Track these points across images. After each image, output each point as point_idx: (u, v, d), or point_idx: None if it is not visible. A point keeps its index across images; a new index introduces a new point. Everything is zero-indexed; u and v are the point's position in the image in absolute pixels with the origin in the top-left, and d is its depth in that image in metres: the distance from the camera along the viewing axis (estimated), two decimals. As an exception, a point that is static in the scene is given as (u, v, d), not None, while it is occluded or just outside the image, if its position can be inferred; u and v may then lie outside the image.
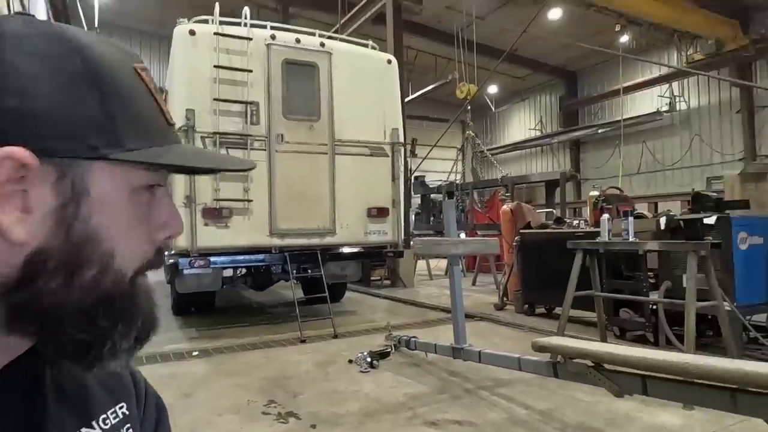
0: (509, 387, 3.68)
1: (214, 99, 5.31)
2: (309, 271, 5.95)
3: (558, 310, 5.42)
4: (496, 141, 24.65)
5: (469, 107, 13.45)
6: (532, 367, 3.21)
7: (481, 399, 3.51)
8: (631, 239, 4.38)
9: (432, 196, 14.70)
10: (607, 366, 2.65)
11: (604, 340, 4.60)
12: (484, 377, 3.88)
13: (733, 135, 15.95)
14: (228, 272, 6.07)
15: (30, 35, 0.44)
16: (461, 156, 16.15)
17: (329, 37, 6.33)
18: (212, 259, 5.35)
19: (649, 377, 2.43)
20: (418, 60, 18.10)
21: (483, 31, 15.72)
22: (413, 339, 4.46)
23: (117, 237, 0.47)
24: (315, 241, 5.87)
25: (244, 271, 6.27)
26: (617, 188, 7.93)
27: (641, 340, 4.77)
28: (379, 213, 6.23)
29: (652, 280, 4.83)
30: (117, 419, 0.57)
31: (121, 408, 0.58)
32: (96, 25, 9.02)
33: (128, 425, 0.58)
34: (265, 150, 5.63)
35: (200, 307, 6.62)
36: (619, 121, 17.71)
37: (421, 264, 10.88)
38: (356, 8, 11.33)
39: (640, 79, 17.67)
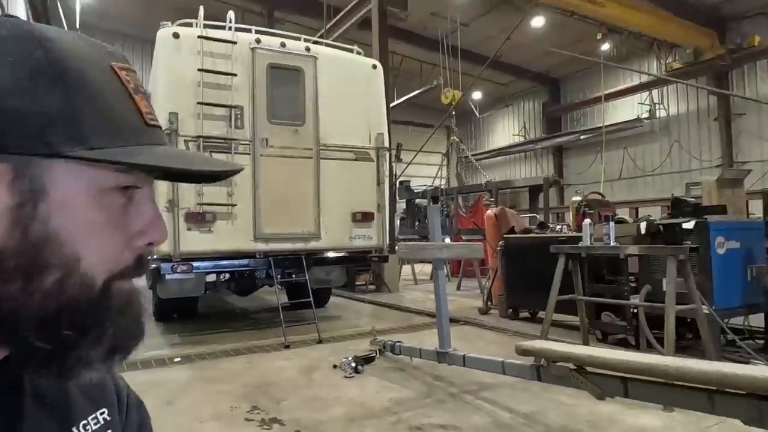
0: (493, 391, 3.70)
1: (198, 102, 5.27)
2: (293, 276, 5.92)
3: (541, 314, 5.47)
4: (480, 146, 24.85)
5: (453, 113, 13.54)
6: (515, 371, 3.23)
7: (466, 403, 3.52)
8: (612, 244, 4.44)
9: (417, 200, 14.76)
10: (589, 369, 2.68)
11: (586, 343, 4.65)
12: (468, 381, 3.89)
13: (711, 142, 16.32)
14: (211, 277, 6.01)
15: None
16: (446, 161, 16.24)
17: (314, 42, 6.34)
18: (195, 264, 5.29)
19: (630, 379, 2.47)
20: (404, 65, 18.19)
21: (467, 38, 15.89)
22: (398, 344, 4.46)
23: (82, 240, 0.45)
24: (299, 245, 5.84)
25: (227, 276, 6.21)
26: (599, 193, 8.05)
27: (623, 344, 4.84)
28: (364, 218, 6.23)
29: (633, 284, 4.90)
30: (98, 425, 0.56)
31: (102, 414, 0.57)
32: (77, 26, 8.90)
33: (110, 431, 0.57)
34: (249, 154, 5.60)
35: (183, 313, 6.54)
36: (600, 127, 17.98)
37: (406, 269, 10.90)
38: (342, 13, 11.36)
39: (621, 87, 18.00)
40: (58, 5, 9.19)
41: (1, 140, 0.41)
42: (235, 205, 5.45)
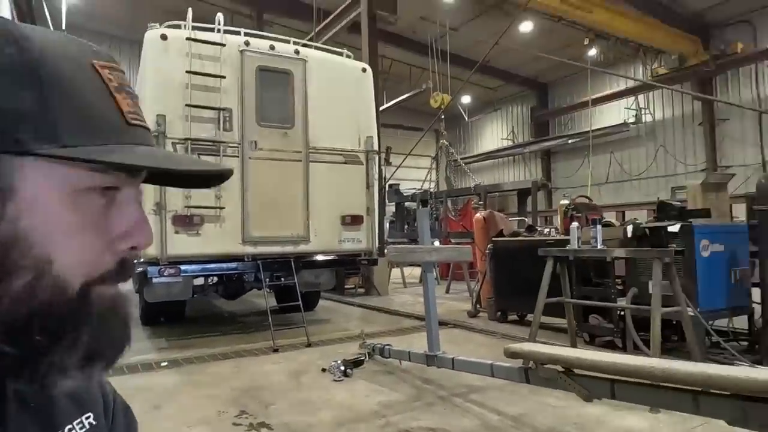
0: (482, 393, 3.71)
1: (186, 105, 5.24)
2: (282, 279, 5.90)
3: (530, 316, 5.50)
4: (469, 150, 24.98)
5: (443, 117, 13.61)
6: (504, 374, 3.24)
7: (455, 406, 3.52)
8: (599, 247, 4.49)
9: (406, 204, 14.79)
10: (576, 371, 2.70)
11: (574, 345, 4.68)
12: (457, 384, 3.90)
13: (695, 146, 16.57)
14: (199, 281, 5.96)
15: None
16: (435, 164, 16.30)
17: (304, 45, 6.33)
18: (183, 267, 5.25)
19: (617, 381, 2.49)
20: (393, 69, 18.25)
21: (457, 42, 15.99)
22: (387, 347, 4.45)
23: (55, 241, 0.43)
24: (288, 248, 5.82)
25: (215, 279, 6.17)
26: (586, 197, 8.13)
27: (610, 346, 4.88)
28: (353, 221, 6.23)
29: (620, 287, 4.95)
30: (83, 429, 0.56)
31: (87, 418, 0.57)
32: (63, 27, 8.81)
33: (95, 436, 0.57)
34: (237, 157, 5.57)
35: (170, 317, 6.48)
36: (588, 131, 18.16)
37: (396, 272, 10.90)
38: (331, 17, 11.37)
39: (607, 92, 18.23)
40: (44, 5, 9.09)
41: None
42: (224, 208, 5.42)
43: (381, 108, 10.87)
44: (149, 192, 5.04)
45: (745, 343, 4.82)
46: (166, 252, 5.13)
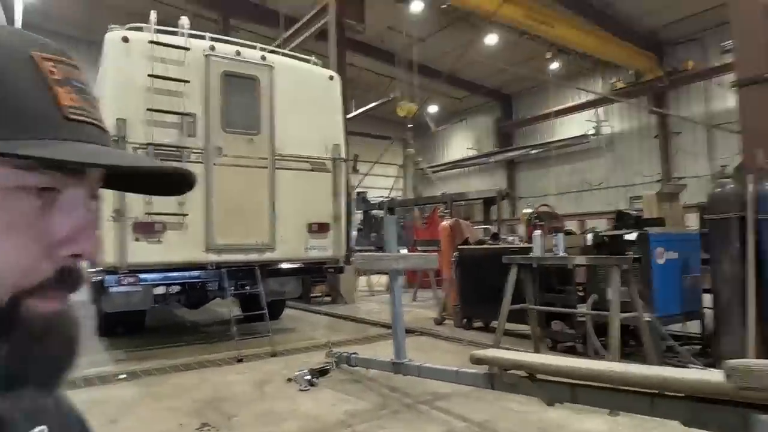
0: (448, 400, 3.73)
1: (148, 109, 5.12)
2: (247, 287, 5.79)
3: (495, 323, 5.58)
4: (436, 159, 25.25)
5: (410, 125, 13.73)
6: (469, 380, 3.28)
7: (421, 413, 3.53)
8: (561, 254, 4.60)
9: (373, 212, 14.80)
10: (539, 376, 2.75)
11: (537, 351, 4.78)
12: (423, 391, 3.91)
13: (651, 158, 17.26)
14: (160, 290, 5.79)
15: None
16: (402, 173, 16.41)
17: (271, 51, 6.28)
18: (142, 276, 5.09)
19: (578, 385, 2.55)
20: (361, 78, 18.33)
21: (424, 53, 16.19)
22: (353, 355, 4.43)
23: None
24: (254, 256, 5.73)
25: (178, 288, 6.01)
26: (548, 206, 8.34)
27: (572, 351, 5.00)
28: (320, 228, 6.19)
29: (581, 294, 5.09)
30: (35, 443, 0.53)
31: (41, 432, 0.54)
32: (19, 26, 8.47)
33: (48, 450, 0.54)
34: (202, 163, 5.46)
35: (129, 327, 6.25)
36: (550, 142, 18.73)
37: (363, 280, 10.87)
38: (299, 24, 11.34)
39: (569, 104, 18.81)
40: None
41: None
42: (187, 214, 5.29)
43: (349, 116, 10.89)
44: (108, 198, 4.89)
45: (698, 346, 5.02)
46: (126, 260, 4.97)
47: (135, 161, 0.47)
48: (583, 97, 18.20)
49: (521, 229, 8.08)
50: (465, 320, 6.62)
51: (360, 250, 11.84)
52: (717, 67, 14.30)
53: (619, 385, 2.36)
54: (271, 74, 5.95)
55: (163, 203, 5.14)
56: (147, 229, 5.10)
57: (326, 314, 8.10)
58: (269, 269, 5.88)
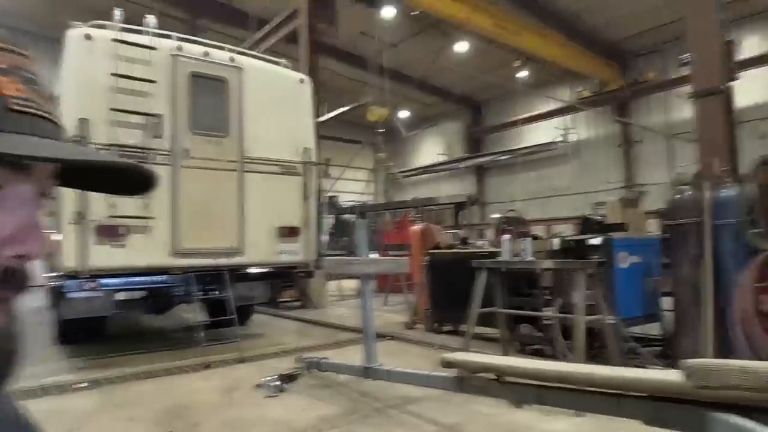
0: (418, 404, 3.74)
1: (112, 109, 4.97)
2: (216, 292, 5.68)
3: (465, 327, 5.62)
4: (407, 164, 25.37)
5: (381, 130, 13.77)
6: (439, 383, 3.29)
7: (391, 417, 3.52)
8: (529, 258, 4.69)
9: (345, 216, 14.76)
10: (507, 379, 2.78)
11: (506, 354, 4.84)
12: (393, 396, 3.91)
13: (615, 165, 17.79)
14: (124, 295, 5.61)
15: None
16: (373, 177, 16.43)
17: (240, 53, 6.20)
18: (105, 281, 4.93)
19: (544, 387, 2.60)
20: (334, 82, 18.28)
21: (396, 58, 16.28)
22: (323, 360, 4.40)
23: None
24: (222, 261, 5.63)
25: (143, 293, 5.84)
26: (516, 211, 8.48)
27: (539, 353, 5.08)
28: (290, 233, 6.13)
29: (548, 297, 5.19)
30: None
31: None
32: (-27, 21, 8.12)
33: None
34: (168, 165, 5.34)
35: (90, 334, 6.04)
36: (518, 149, 19.08)
37: (333, 284, 10.81)
38: (270, 26, 11.25)
39: (536, 112, 19.22)
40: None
41: None
42: (152, 217, 5.16)
43: (320, 120, 10.85)
44: (69, 200, 4.72)
45: (659, 348, 5.18)
46: (88, 264, 4.81)
47: (87, 156, 0.45)
48: (551, 105, 18.63)
49: (490, 234, 8.19)
50: (435, 324, 6.65)
51: (331, 255, 11.78)
52: (676, 78, 14.87)
53: (584, 387, 2.42)
54: (240, 76, 5.88)
55: (128, 206, 5.00)
56: (110, 233, 4.95)
57: (296, 319, 8.01)
58: (238, 274, 5.78)
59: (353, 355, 4.89)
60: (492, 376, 2.83)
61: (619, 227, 5.22)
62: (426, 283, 6.75)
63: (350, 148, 20.56)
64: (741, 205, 4.09)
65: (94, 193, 4.54)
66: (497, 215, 7.11)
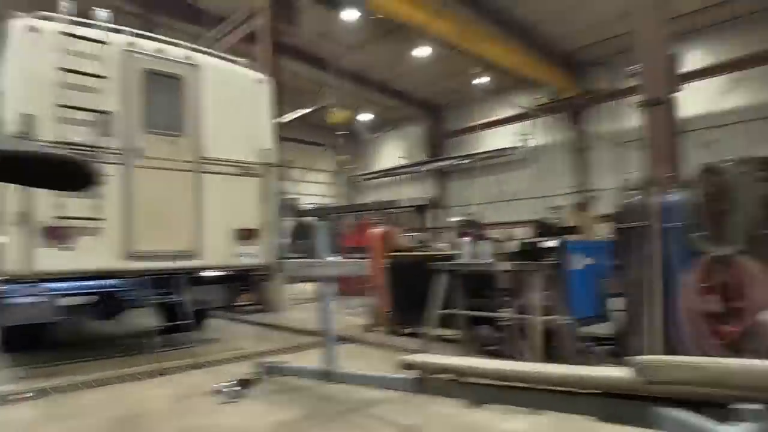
0: (379, 407, 3.73)
1: (59, 105, 4.74)
2: (171, 296, 5.49)
3: (425, 329, 5.66)
4: (368, 167, 25.39)
5: (343, 133, 13.74)
6: (399, 385, 3.30)
7: (351, 421, 3.50)
8: (487, 261, 4.77)
9: (305, 218, 14.61)
10: (467, 379, 2.82)
11: (465, 355, 4.90)
12: (354, 399, 3.88)
13: (571, 170, 18.40)
14: (72, 300, 5.35)
15: None
16: (335, 180, 16.36)
17: (197, 50, 6.05)
18: (51, 285, 4.69)
19: (503, 387, 2.64)
20: (294, 83, 18.08)
21: (357, 61, 16.30)
22: (283, 365, 4.33)
23: None
24: (178, 263, 5.45)
25: (94, 298, 5.58)
26: (473, 215, 8.63)
27: (498, 354, 5.17)
28: (249, 235, 6.01)
29: (506, 299, 5.29)
30: None
31: None
32: None
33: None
34: (121, 164, 5.14)
35: (35, 342, 5.72)
36: (477, 153, 19.43)
37: (297, 288, 10.66)
38: (229, 25, 11.03)
39: (495, 117, 19.65)
40: None
41: None
42: (104, 218, 4.95)
43: (281, 121, 10.71)
44: (11, 199, 4.47)
45: (611, 346, 5.37)
46: (32, 268, 4.56)
47: (14, 146, 0.41)
48: (510, 111, 19.07)
49: (450, 237, 8.30)
50: (396, 327, 6.67)
51: (291, 258, 11.63)
52: (625, 89, 15.52)
53: (541, 385, 2.47)
54: (196, 74, 5.74)
55: (77, 206, 4.77)
56: (58, 234, 4.71)
57: (254, 323, 7.87)
58: (194, 277, 5.62)
59: (313, 359, 4.83)
60: (451, 376, 2.86)
61: (571, 230, 5.39)
62: (386, 286, 6.76)
63: (312, 151, 20.39)
64: (687, 209, 4.30)
65: (39, 193, 4.27)
66: (456, 218, 7.21)
